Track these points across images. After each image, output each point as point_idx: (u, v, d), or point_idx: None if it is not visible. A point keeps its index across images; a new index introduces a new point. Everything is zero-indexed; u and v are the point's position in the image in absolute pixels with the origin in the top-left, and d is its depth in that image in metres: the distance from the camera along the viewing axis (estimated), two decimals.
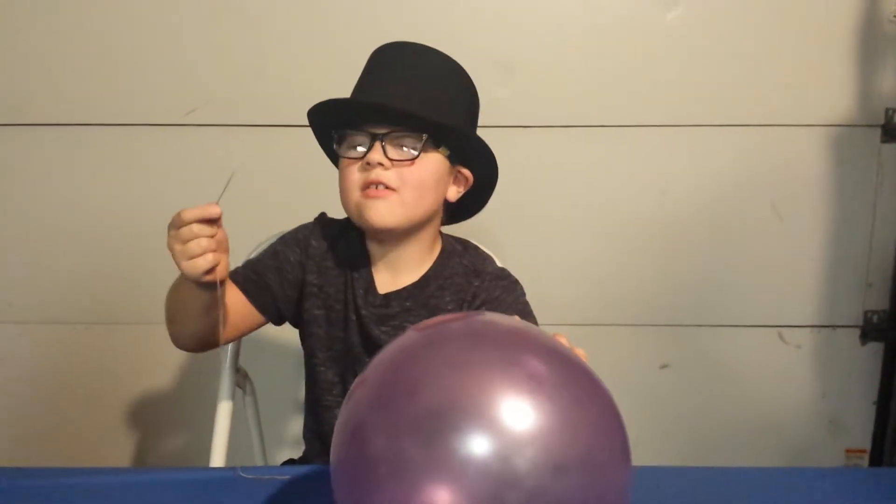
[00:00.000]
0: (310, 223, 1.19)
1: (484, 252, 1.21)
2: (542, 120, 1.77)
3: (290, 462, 1.35)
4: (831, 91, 1.78)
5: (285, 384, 1.88)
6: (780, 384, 1.91)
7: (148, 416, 1.95)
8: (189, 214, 0.84)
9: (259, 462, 1.44)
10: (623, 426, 0.60)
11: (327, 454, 1.11)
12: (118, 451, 1.97)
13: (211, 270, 0.86)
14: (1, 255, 1.86)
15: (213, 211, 0.84)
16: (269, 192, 1.79)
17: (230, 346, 1.28)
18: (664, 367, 1.90)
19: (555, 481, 0.54)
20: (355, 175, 1.05)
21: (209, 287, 0.88)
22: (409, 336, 0.65)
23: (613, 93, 1.78)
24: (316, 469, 0.98)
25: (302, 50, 1.76)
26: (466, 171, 1.12)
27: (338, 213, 1.75)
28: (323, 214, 1.20)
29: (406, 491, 0.55)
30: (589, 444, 0.57)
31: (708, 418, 1.91)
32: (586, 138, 1.78)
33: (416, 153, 1.03)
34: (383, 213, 1.04)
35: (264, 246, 1.31)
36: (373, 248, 1.13)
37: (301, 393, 1.89)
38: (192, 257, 0.85)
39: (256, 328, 1.14)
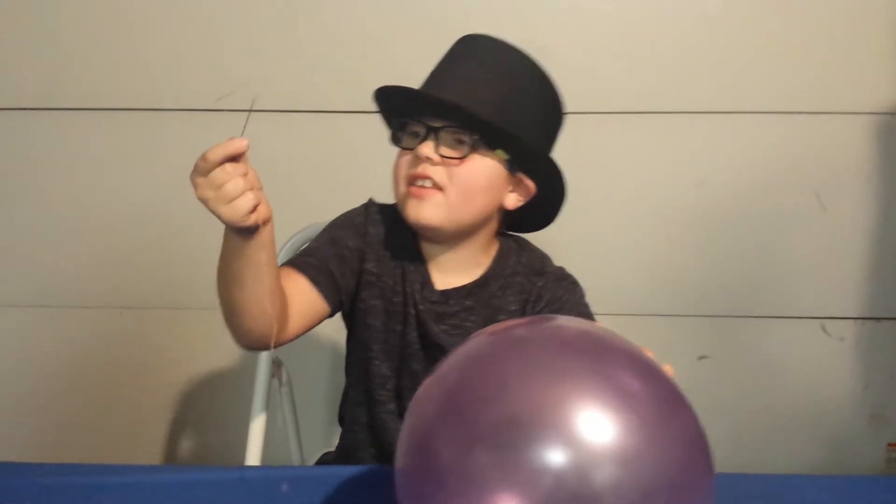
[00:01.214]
0: (360, 208, 1.13)
1: (539, 250, 1.17)
2: (575, 106, 1.72)
3: (327, 455, 1.33)
4: (877, 78, 1.73)
5: (318, 374, 1.87)
6: (821, 377, 1.87)
7: (181, 402, 1.94)
8: (215, 154, 0.76)
9: (295, 453, 1.42)
10: (709, 450, 0.57)
11: (378, 447, 1.11)
12: (149, 438, 1.96)
13: (253, 211, 0.79)
14: (31, 240, 1.85)
15: (240, 145, 0.77)
16: (301, 178, 1.77)
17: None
18: (702, 358, 1.87)
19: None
20: (406, 166, 1.02)
21: (252, 231, 0.81)
22: (483, 340, 0.61)
23: (649, 79, 1.73)
24: (364, 471, 0.94)
25: (335, 34, 1.73)
26: (529, 182, 1.07)
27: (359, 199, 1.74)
28: (372, 200, 1.15)
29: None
30: (676, 469, 0.54)
31: (746, 411, 1.87)
32: (621, 126, 1.74)
33: (465, 152, 0.99)
34: (425, 211, 1.00)
35: (302, 235, 1.30)
36: (423, 244, 1.09)
37: (336, 383, 1.90)
38: (230, 200, 0.77)
39: (321, 321, 1.07)
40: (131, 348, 1.90)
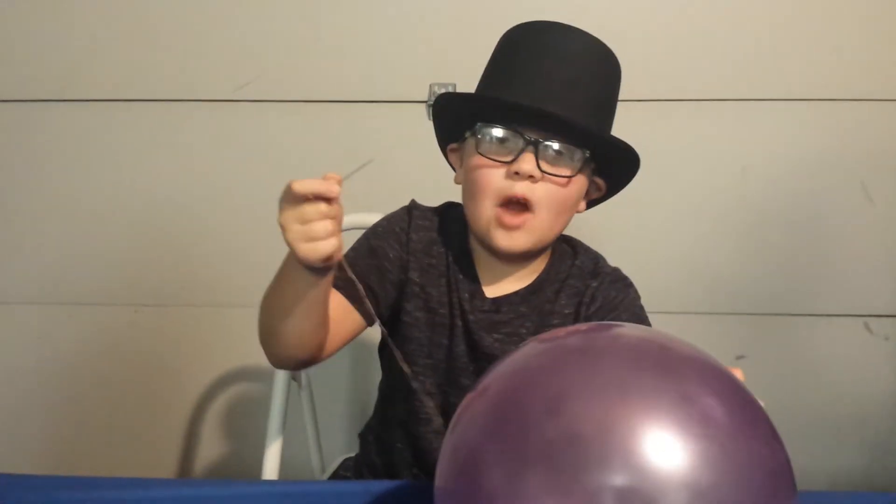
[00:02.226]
0: (402, 212, 1.05)
1: (593, 251, 1.09)
2: None
3: (348, 461, 1.27)
4: None
5: (338, 376, 1.81)
6: (863, 377, 1.79)
7: (197, 402, 1.89)
8: (304, 186, 0.71)
9: (315, 457, 1.37)
10: (793, 480, 0.50)
11: (422, 468, 1.04)
12: (164, 438, 1.92)
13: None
14: (45, 235, 1.80)
15: (333, 189, 0.71)
16: (325, 171, 1.71)
17: None
18: (740, 357, 1.79)
19: None
20: (496, 181, 0.91)
21: (322, 272, 0.77)
22: (534, 348, 0.55)
23: (689, 65, 1.66)
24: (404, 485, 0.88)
25: (358, 21, 1.67)
26: (601, 181, 1.00)
27: (399, 197, 1.69)
28: (415, 203, 1.07)
29: None
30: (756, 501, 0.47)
31: (786, 412, 1.76)
32: (660, 113, 1.67)
33: (573, 172, 0.91)
34: (518, 241, 0.92)
35: None
36: (476, 250, 1.01)
37: (357, 388, 1.85)
38: (313, 240, 0.72)
39: (357, 335, 1.01)
40: (147, 347, 1.86)
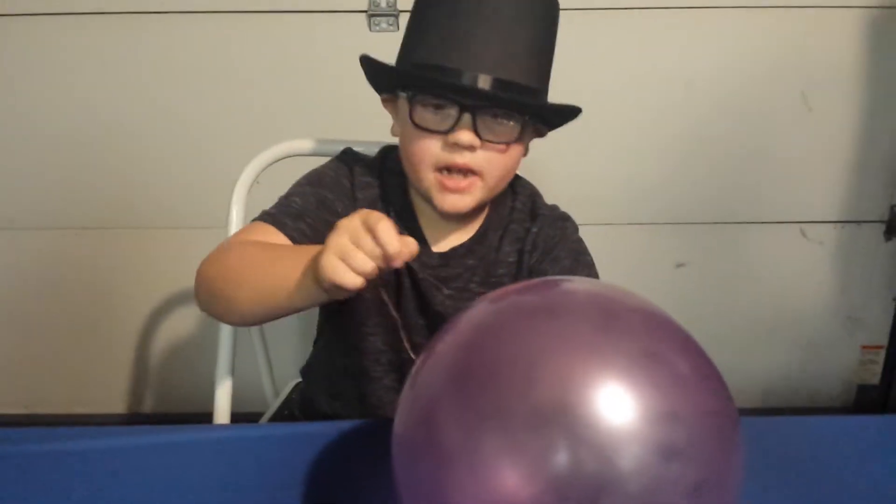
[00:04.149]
0: (340, 163, 0.99)
1: (529, 184, 1.05)
2: None
3: (298, 385, 1.27)
4: None
5: None
6: (798, 281, 1.86)
7: (145, 325, 1.88)
8: (385, 236, 0.65)
9: (267, 385, 1.36)
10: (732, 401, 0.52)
11: (369, 418, 1.03)
12: (113, 367, 1.91)
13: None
14: None
15: (400, 257, 0.66)
16: (264, 82, 1.66)
17: None
18: (680, 266, 1.83)
19: (691, 499, 0.46)
20: (434, 151, 0.86)
21: (323, 294, 0.71)
22: (490, 307, 0.54)
23: None
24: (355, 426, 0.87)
25: None
26: (541, 126, 0.95)
27: (333, 119, 1.64)
28: (351, 152, 1.01)
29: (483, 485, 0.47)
30: (727, 465, 0.49)
31: (724, 316, 1.86)
32: (603, 22, 1.64)
33: (513, 138, 0.87)
34: (459, 203, 0.88)
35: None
36: (419, 203, 0.97)
37: (307, 315, 1.82)
38: (351, 269, 0.66)
39: None
40: (90, 270, 1.82)
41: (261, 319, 0.84)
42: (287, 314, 0.79)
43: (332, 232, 0.68)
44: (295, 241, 0.88)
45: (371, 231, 0.66)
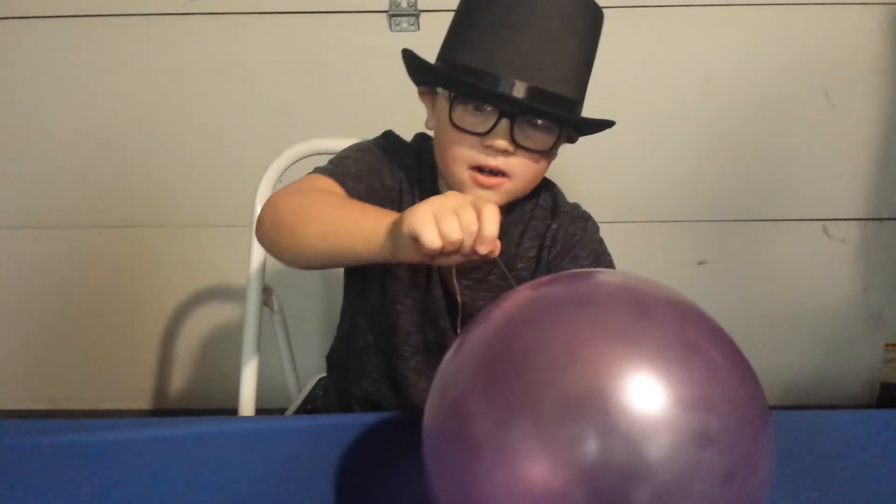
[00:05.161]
0: (385, 140, 1.01)
1: (552, 183, 1.06)
2: None
3: (322, 379, 1.29)
4: None
5: (308, 299, 1.82)
6: (820, 278, 1.85)
7: (169, 324, 1.90)
8: (488, 217, 0.66)
9: (291, 380, 1.38)
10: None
11: (401, 402, 1.05)
12: (138, 364, 1.93)
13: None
14: (4, 158, 1.76)
15: (489, 248, 0.66)
16: (286, 82, 1.67)
17: (257, 263, 1.19)
18: (701, 263, 1.83)
19: (723, 489, 0.47)
20: (469, 150, 0.88)
21: (388, 250, 0.71)
22: (523, 299, 0.55)
23: None
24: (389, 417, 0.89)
25: None
26: (574, 135, 0.96)
27: (354, 117, 1.65)
28: (390, 132, 1.03)
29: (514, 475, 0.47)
30: (759, 454, 0.49)
31: (746, 314, 1.85)
32: (623, 19, 1.63)
33: (547, 147, 0.88)
34: (492, 200, 0.84)
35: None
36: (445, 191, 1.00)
37: (329, 308, 1.85)
38: (441, 231, 0.65)
39: None
40: (114, 268, 1.84)
41: (318, 259, 0.82)
42: (345, 262, 0.82)
43: (439, 196, 0.68)
44: (343, 185, 0.89)
45: (477, 210, 0.67)
